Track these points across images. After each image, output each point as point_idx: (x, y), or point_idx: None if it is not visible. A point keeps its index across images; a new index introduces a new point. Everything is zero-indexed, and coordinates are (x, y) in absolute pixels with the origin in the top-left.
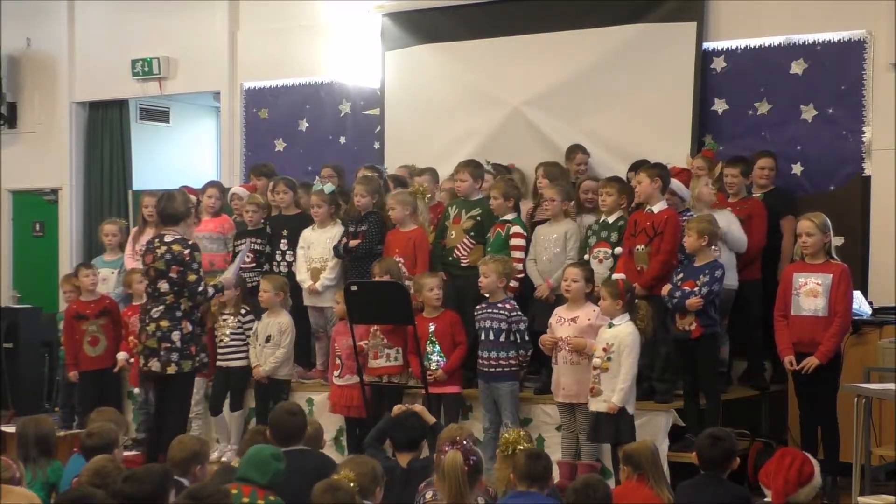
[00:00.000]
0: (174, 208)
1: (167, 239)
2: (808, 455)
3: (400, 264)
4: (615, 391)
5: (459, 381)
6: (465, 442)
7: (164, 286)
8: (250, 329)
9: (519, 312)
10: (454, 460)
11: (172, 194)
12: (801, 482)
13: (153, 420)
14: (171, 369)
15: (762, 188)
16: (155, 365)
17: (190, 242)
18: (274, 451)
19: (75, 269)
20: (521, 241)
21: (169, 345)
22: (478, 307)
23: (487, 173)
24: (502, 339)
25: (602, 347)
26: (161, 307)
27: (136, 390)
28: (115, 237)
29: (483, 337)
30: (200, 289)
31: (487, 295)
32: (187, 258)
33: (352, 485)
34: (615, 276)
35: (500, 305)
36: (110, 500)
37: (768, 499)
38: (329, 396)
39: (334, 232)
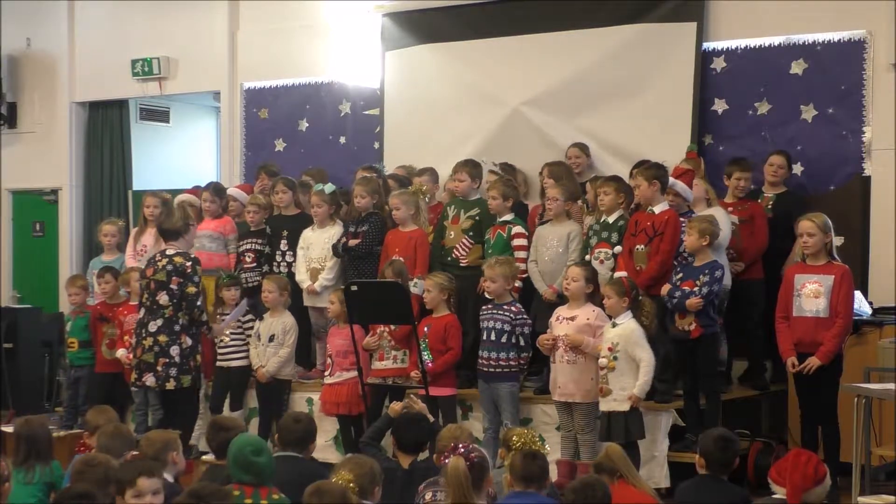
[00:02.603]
0: (172, 224)
1: (169, 252)
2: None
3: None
4: (637, 385)
5: (453, 383)
6: (469, 445)
7: (163, 298)
8: (250, 329)
9: (524, 315)
10: (457, 467)
11: (171, 210)
12: (817, 480)
13: (156, 427)
14: (170, 385)
15: (773, 187)
16: (150, 380)
17: (192, 256)
18: (254, 447)
19: (99, 272)
20: (524, 241)
21: (167, 360)
22: (484, 307)
23: (493, 173)
24: (504, 340)
25: (607, 347)
26: (159, 321)
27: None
28: (113, 237)
29: (485, 337)
30: (199, 302)
31: (492, 297)
32: (188, 270)
33: (350, 485)
34: (618, 274)
35: (506, 307)
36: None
37: (777, 496)
38: (320, 396)
39: (333, 232)
